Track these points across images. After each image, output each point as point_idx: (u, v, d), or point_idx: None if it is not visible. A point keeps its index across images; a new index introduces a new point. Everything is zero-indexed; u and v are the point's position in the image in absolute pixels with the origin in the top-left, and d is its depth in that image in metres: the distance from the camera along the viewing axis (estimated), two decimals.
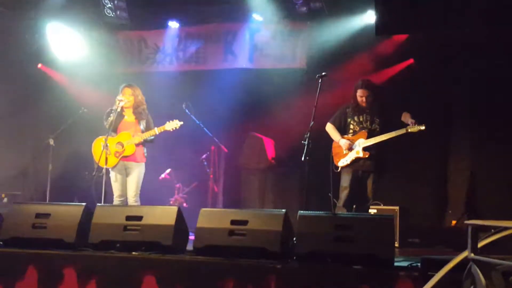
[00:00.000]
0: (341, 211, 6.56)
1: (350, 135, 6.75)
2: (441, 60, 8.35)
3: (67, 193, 9.08)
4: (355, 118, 6.73)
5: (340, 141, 6.70)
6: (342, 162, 6.71)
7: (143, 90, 7.39)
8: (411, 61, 8.61)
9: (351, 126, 6.76)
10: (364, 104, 6.65)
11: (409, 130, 6.43)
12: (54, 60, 10.11)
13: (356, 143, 6.65)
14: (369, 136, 6.61)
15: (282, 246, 4.90)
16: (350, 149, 6.66)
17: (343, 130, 6.82)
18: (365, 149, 6.58)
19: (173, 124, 7.15)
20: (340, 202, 6.65)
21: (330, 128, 6.87)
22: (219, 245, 5.06)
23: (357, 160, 6.63)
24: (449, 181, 8.47)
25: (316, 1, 8.72)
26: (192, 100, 9.00)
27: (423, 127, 6.41)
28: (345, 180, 6.68)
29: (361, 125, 6.70)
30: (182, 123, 7.22)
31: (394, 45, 8.70)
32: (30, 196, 9.47)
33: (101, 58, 9.97)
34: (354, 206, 6.71)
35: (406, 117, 6.53)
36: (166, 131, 7.17)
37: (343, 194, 6.65)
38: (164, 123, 7.16)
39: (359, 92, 6.64)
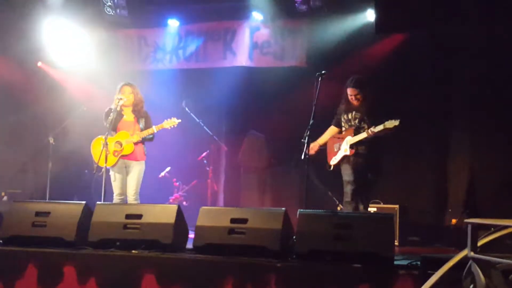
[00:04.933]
0: (350, 206, 6.53)
1: (342, 133, 6.77)
2: (441, 57, 8.34)
3: (67, 191, 9.07)
4: (345, 116, 6.74)
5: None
6: (333, 161, 6.73)
7: (143, 88, 7.39)
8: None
9: (342, 124, 6.79)
10: (355, 103, 6.61)
11: (386, 126, 6.31)
12: (53, 58, 10.09)
13: (344, 141, 6.64)
14: (355, 134, 6.58)
15: (281, 245, 4.91)
16: (339, 147, 6.68)
17: (340, 127, 6.88)
18: (351, 146, 6.55)
19: (171, 122, 7.16)
20: (347, 197, 6.58)
21: (326, 131, 6.94)
22: (219, 244, 5.07)
23: (346, 157, 6.61)
24: (449, 179, 8.46)
25: None
26: (192, 98, 9.00)
27: (397, 122, 6.29)
28: (347, 175, 6.62)
29: (349, 123, 6.69)
30: (180, 120, 7.23)
31: (394, 43, 8.68)
32: (30, 195, 9.45)
33: (101, 56, 9.95)
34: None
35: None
36: (164, 129, 7.17)
37: (348, 188, 6.59)
38: (163, 121, 7.17)
39: (349, 91, 6.60)
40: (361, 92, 6.56)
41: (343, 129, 6.76)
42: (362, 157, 6.55)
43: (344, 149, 6.60)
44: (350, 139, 6.57)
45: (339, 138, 6.74)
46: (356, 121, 6.62)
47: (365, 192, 6.66)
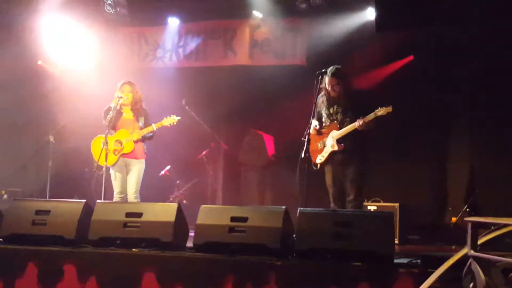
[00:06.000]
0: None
1: (324, 129, 6.44)
2: (441, 56, 8.35)
3: (67, 189, 9.07)
4: (326, 111, 6.41)
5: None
6: (319, 159, 6.40)
7: (143, 86, 7.38)
8: (411, 57, 8.60)
9: (324, 119, 6.45)
10: (334, 94, 6.29)
11: (378, 114, 6.05)
12: (53, 56, 10.09)
13: (329, 137, 6.34)
14: (340, 128, 6.28)
15: (282, 243, 4.90)
16: (324, 144, 6.38)
17: (320, 121, 6.50)
18: (338, 141, 6.25)
19: (171, 120, 7.15)
20: (331, 201, 6.43)
21: (313, 125, 6.49)
22: (219, 242, 5.06)
23: (333, 154, 6.31)
24: (449, 178, 8.47)
25: None
26: (192, 96, 9.00)
27: (390, 108, 6.04)
28: (328, 178, 6.41)
29: (331, 118, 6.38)
30: (179, 118, 7.22)
31: (394, 42, 8.69)
32: (30, 193, 9.45)
33: (101, 54, 9.96)
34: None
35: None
36: (164, 127, 7.16)
37: (329, 192, 6.42)
38: (162, 119, 7.17)
39: (327, 80, 6.25)
40: (340, 82, 6.24)
41: (324, 124, 6.43)
42: (348, 152, 6.26)
43: (331, 145, 6.29)
44: (337, 134, 6.26)
45: (324, 134, 6.41)
46: (339, 115, 6.32)
47: (350, 194, 6.31)
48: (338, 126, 6.31)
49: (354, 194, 6.28)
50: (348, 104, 6.31)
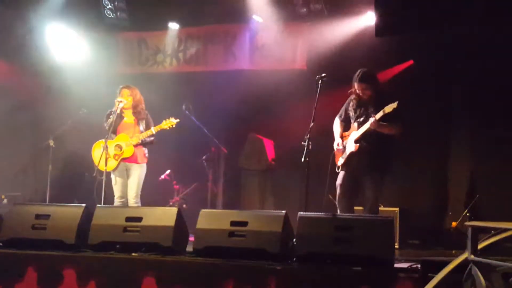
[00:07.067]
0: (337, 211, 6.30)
1: (349, 131, 6.41)
2: (441, 59, 8.35)
3: (67, 194, 9.07)
4: (353, 113, 6.39)
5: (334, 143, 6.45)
6: (340, 161, 6.37)
7: (143, 91, 7.39)
8: (411, 62, 8.61)
9: (352, 121, 6.41)
10: (365, 97, 6.27)
11: (386, 111, 5.97)
12: (54, 61, 10.10)
13: (349, 138, 6.31)
14: (359, 128, 6.25)
15: (282, 247, 4.91)
16: (346, 146, 6.34)
17: (347, 123, 6.48)
18: (355, 141, 6.21)
19: (169, 122, 7.15)
20: (336, 201, 6.35)
21: (335, 125, 6.54)
22: (219, 246, 5.07)
23: (352, 155, 6.24)
24: (449, 182, 8.46)
25: (316, 2, 8.74)
26: (192, 101, 9.00)
27: (395, 105, 5.92)
28: (339, 178, 6.33)
29: (356, 119, 6.35)
30: (178, 120, 7.22)
31: (394, 46, 8.69)
32: (30, 197, 9.46)
33: (101, 59, 9.96)
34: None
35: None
36: (164, 131, 7.16)
37: (337, 192, 6.31)
38: (161, 123, 7.17)
39: (357, 86, 6.26)
40: (369, 86, 6.22)
41: (351, 125, 6.40)
42: (366, 155, 6.17)
43: (350, 146, 6.27)
44: (355, 133, 6.24)
45: (345, 136, 6.41)
46: (364, 117, 6.26)
47: (365, 203, 6.24)
48: (357, 127, 6.27)
49: (369, 206, 6.15)
50: (375, 104, 6.22)
